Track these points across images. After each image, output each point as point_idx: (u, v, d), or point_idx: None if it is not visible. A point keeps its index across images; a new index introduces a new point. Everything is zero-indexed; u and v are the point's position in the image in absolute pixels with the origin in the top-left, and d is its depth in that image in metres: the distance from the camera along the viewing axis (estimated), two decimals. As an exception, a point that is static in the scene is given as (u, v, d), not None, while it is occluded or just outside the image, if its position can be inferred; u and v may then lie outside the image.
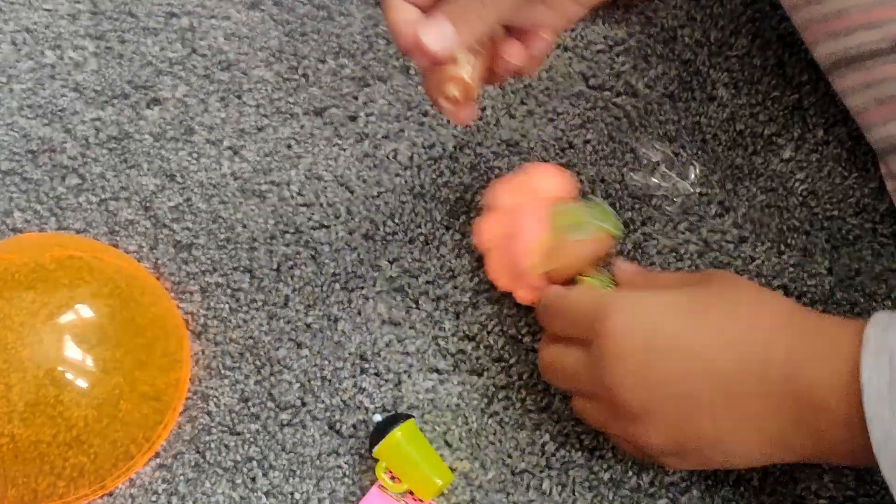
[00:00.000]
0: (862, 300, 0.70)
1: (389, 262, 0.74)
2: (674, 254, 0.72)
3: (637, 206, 0.74)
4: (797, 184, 0.73)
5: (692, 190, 0.73)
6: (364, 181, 0.77)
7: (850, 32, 0.66)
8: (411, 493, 0.67)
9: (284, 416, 0.70)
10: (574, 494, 0.67)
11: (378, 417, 0.68)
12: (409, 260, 0.74)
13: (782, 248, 0.72)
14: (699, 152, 0.75)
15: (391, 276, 0.74)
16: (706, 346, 0.55)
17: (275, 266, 0.75)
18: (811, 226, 0.72)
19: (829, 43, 0.68)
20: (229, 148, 0.79)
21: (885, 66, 0.66)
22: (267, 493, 0.68)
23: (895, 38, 0.64)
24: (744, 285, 0.60)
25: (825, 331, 0.54)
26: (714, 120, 0.76)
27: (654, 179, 0.73)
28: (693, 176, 0.73)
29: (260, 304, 0.74)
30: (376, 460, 0.67)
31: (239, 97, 0.80)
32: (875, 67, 0.66)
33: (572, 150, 0.76)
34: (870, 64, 0.66)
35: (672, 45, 0.78)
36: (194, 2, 0.84)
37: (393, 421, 0.66)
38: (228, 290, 0.74)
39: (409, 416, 0.67)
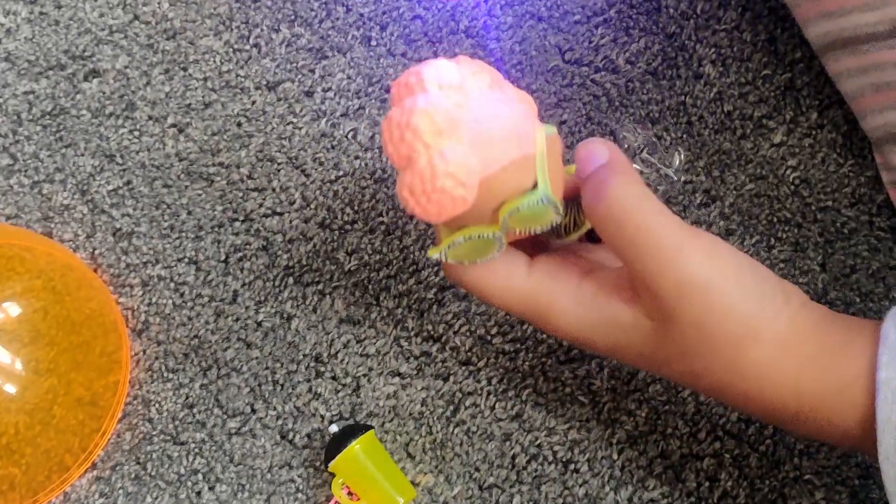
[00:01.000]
0: (857, 299, 0.65)
1: (348, 253, 0.68)
2: (656, 247, 0.66)
3: (616, 194, 0.68)
4: (789, 171, 0.68)
5: (676, 177, 0.68)
6: (320, 164, 0.71)
7: (845, 13, 0.61)
8: (370, 510, 0.62)
9: (233, 425, 0.65)
10: (546, 512, 0.62)
11: (334, 428, 0.62)
12: (370, 252, 0.68)
13: (772, 241, 0.66)
14: (684, 136, 0.69)
15: (349, 270, 0.68)
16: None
17: (223, 257, 0.69)
18: (803, 218, 0.67)
19: (821, 22, 0.63)
20: (174, 125, 0.72)
21: (882, 51, 0.60)
22: (213, 510, 0.63)
23: (894, 20, 0.59)
24: (720, 326, 0.49)
25: (833, 337, 0.49)
26: (700, 100, 0.70)
27: (635, 166, 0.68)
28: (678, 162, 0.68)
29: (206, 299, 0.68)
30: (332, 475, 0.62)
31: (185, 69, 0.74)
32: (872, 52, 0.61)
33: (547, 132, 0.70)
34: (866, 47, 0.61)
35: (656, 16, 0.72)
36: (137, -38, 0.77)
37: (351, 432, 0.61)
38: (172, 284, 0.68)
39: (368, 428, 0.62)
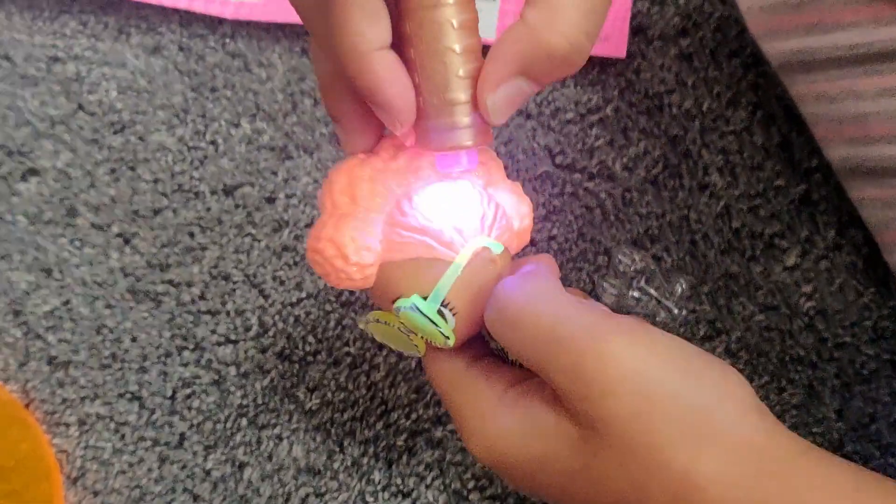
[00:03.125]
0: (878, 453, 0.58)
1: (309, 390, 0.61)
2: (653, 389, 0.59)
3: (610, 323, 0.61)
4: (803, 300, 0.61)
5: (677, 310, 0.60)
6: (281, 283, 0.63)
7: (870, 143, 0.54)
8: None
9: (176, 592, 0.58)
10: None
11: None
12: (333, 388, 0.61)
13: (783, 383, 0.59)
14: (687, 256, 0.62)
15: (310, 410, 0.61)
16: None
17: (169, 393, 0.62)
18: (818, 356, 0.60)
19: (843, 148, 0.56)
20: (119, 235, 0.65)
21: None
22: None
23: None
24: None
25: (811, 467, 0.38)
26: (705, 215, 0.62)
27: (633, 293, 0.60)
28: (679, 292, 0.60)
29: (150, 443, 0.61)
30: None
31: (133, 169, 0.66)
32: None
33: (533, 249, 0.63)
34: (893, 182, 0.54)
35: (658, 116, 0.65)
36: (83, 44, 0.69)
37: None
38: (112, 424, 0.62)
39: None
